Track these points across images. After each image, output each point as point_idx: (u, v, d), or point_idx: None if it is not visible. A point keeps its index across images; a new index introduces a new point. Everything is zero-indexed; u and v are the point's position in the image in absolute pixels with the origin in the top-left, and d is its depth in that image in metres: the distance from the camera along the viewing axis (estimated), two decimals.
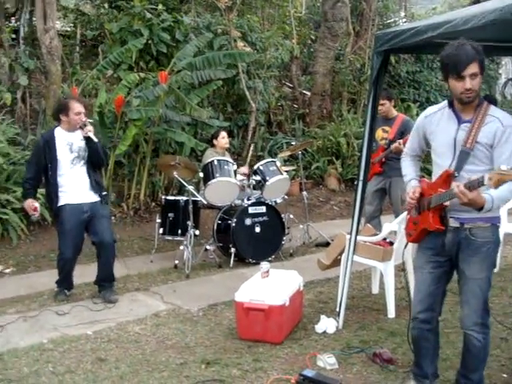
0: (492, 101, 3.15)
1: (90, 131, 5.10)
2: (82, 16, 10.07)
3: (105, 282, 5.37)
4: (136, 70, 8.37)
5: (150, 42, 8.40)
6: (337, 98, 11.93)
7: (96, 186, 5.22)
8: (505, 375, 3.69)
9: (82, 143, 5.16)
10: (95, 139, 5.14)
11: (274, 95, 10.73)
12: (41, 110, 8.39)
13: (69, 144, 5.13)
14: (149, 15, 8.38)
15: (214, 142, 7.25)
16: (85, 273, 5.68)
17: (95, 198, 5.22)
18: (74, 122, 5.10)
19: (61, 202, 5.13)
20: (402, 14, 15.03)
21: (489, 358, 3.85)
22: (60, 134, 5.17)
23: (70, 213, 5.11)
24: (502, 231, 5.96)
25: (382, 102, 4.78)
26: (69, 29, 10.30)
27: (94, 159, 5.20)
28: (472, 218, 3.09)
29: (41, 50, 8.05)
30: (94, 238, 5.25)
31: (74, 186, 5.14)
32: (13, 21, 9.56)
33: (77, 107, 5.11)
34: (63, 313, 4.94)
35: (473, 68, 2.95)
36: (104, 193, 5.31)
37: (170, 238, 6.76)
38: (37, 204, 5.13)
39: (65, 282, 5.38)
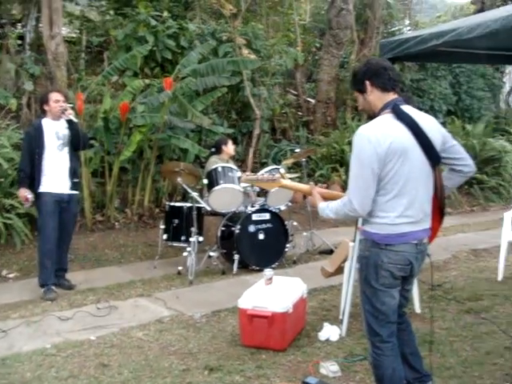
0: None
1: (71, 114, 5.58)
2: (87, 22, 10.14)
3: (61, 272, 5.83)
4: (141, 77, 8.41)
5: (154, 48, 8.45)
6: (341, 105, 11.93)
7: (73, 172, 5.70)
8: None
9: (67, 131, 5.63)
10: (75, 120, 5.64)
11: (279, 102, 10.75)
12: None
13: (56, 132, 5.60)
14: (154, 22, 8.42)
15: (224, 148, 7.23)
16: (88, 278, 5.70)
17: (73, 189, 5.68)
18: (54, 108, 5.58)
19: (42, 189, 5.54)
20: (407, 22, 15.08)
21: (493, 367, 3.86)
22: (47, 123, 5.64)
23: (52, 200, 5.55)
24: (505, 240, 6.01)
25: None
26: (74, 35, 10.34)
27: (75, 141, 5.63)
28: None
29: (46, 55, 8.09)
30: (60, 226, 5.67)
31: (56, 171, 5.58)
32: (19, 27, 9.62)
33: (55, 96, 5.63)
34: (66, 318, 4.95)
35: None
36: (76, 180, 5.74)
37: (173, 244, 6.77)
38: (29, 195, 5.52)
39: (49, 277, 5.55)
